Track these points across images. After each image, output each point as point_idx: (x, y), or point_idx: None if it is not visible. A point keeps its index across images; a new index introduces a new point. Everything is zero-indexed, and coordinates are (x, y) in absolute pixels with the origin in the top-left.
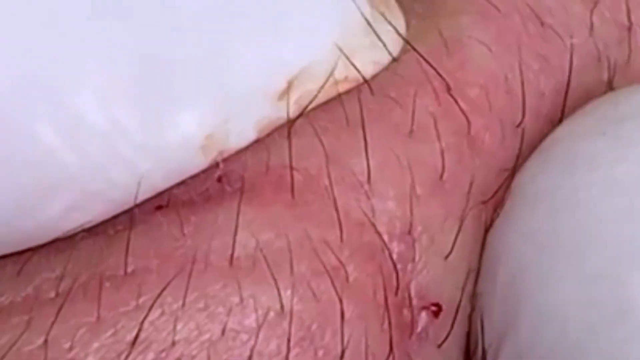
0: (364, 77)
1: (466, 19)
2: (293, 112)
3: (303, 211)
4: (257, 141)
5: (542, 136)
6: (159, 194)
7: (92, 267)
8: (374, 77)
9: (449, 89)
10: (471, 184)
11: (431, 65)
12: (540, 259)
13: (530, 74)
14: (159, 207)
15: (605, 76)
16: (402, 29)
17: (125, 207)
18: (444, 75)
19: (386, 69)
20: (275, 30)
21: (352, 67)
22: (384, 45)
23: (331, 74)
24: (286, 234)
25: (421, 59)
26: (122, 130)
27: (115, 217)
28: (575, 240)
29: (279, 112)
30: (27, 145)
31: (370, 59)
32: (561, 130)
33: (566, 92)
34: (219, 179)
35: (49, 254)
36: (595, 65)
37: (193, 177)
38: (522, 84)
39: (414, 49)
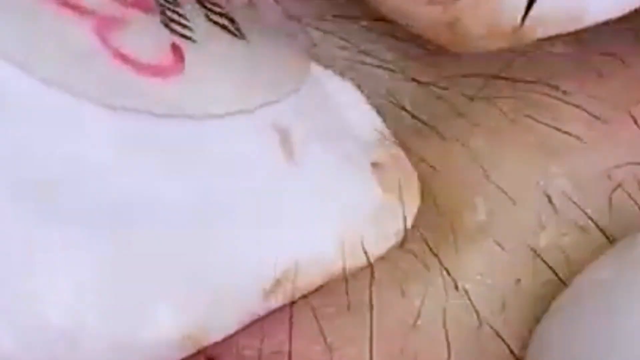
0: (372, 269)
1: (481, 211)
2: (288, 298)
3: None
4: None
5: None
6: None
7: None
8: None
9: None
10: None
11: (443, 266)
12: None
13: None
14: None
15: None
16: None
17: None
18: (451, 272)
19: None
20: (266, 225)
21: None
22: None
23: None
24: None
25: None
26: (88, 331)
27: None
28: None
29: (266, 305)
30: None
31: (377, 244)
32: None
33: None
34: None
35: None
36: None
37: None
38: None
39: (431, 250)
